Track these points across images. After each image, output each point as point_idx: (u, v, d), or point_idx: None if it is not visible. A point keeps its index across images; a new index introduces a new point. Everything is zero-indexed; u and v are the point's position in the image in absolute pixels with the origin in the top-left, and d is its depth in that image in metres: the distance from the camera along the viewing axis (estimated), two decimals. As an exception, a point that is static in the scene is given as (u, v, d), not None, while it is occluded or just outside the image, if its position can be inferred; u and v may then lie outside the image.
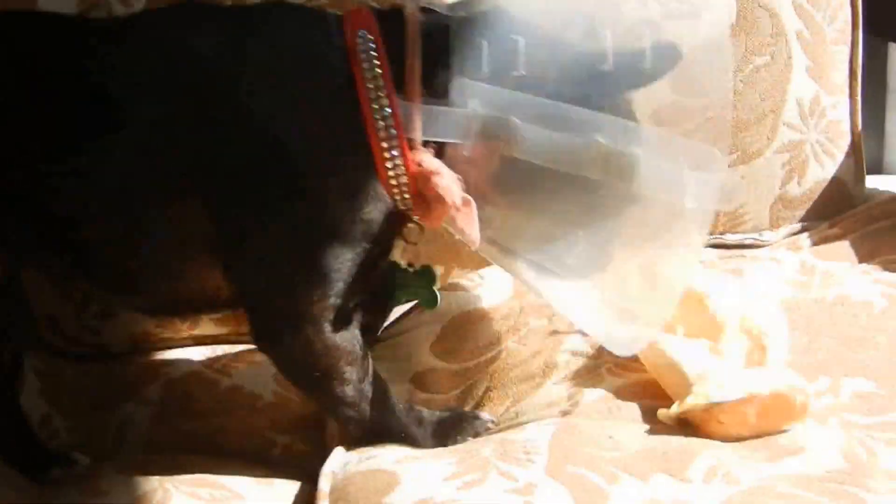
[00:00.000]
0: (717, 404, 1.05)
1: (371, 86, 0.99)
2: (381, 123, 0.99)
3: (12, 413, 1.20)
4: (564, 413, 1.13)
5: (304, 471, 1.16)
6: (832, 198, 1.45)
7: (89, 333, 1.37)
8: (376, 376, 1.13)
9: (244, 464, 1.18)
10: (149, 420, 1.27)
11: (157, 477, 1.11)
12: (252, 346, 1.18)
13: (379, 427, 1.13)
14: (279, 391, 1.29)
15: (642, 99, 1.36)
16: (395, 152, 1.00)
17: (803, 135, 1.41)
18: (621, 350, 1.09)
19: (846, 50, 1.44)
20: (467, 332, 1.27)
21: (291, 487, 1.15)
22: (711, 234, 1.42)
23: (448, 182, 0.99)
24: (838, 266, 1.35)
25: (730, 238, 1.43)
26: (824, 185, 1.44)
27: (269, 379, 1.29)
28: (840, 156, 1.44)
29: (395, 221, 1.08)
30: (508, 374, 1.22)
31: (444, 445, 1.13)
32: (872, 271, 1.33)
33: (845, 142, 1.45)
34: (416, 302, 1.29)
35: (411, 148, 1.00)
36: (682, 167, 1.00)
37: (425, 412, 1.16)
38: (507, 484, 1.01)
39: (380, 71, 0.99)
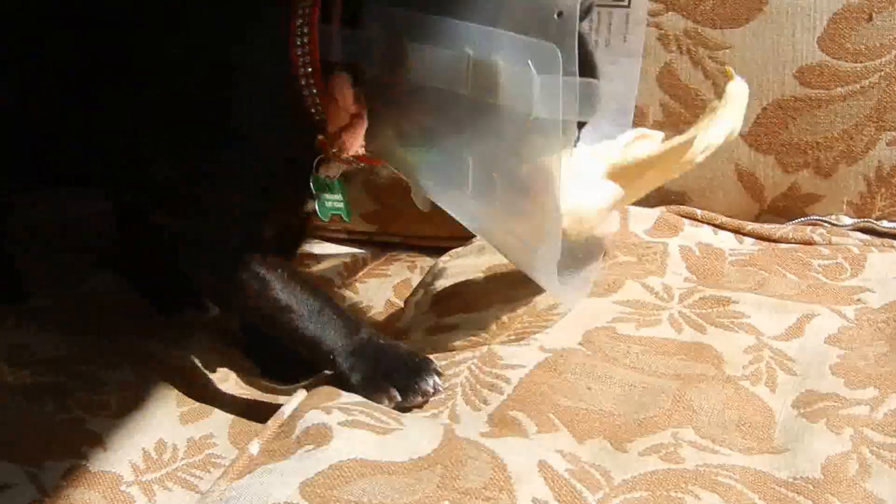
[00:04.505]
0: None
1: (301, 9, 1.04)
2: (299, 41, 1.04)
3: (163, 266, 1.39)
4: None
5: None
6: None
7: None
8: (308, 284, 1.12)
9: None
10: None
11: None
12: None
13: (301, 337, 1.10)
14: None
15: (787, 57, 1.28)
16: (309, 69, 1.04)
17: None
18: (568, 301, 1.06)
19: None
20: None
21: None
22: (862, 217, 1.33)
23: (346, 90, 1.02)
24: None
25: (885, 225, 1.33)
26: None
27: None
28: None
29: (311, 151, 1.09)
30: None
31: (372, 395, 1.05)
32: None
33: None
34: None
35: (331, 72, 1.04)
36: (532, 74, 0.95)
37: (376, 343, 1.10)
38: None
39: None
